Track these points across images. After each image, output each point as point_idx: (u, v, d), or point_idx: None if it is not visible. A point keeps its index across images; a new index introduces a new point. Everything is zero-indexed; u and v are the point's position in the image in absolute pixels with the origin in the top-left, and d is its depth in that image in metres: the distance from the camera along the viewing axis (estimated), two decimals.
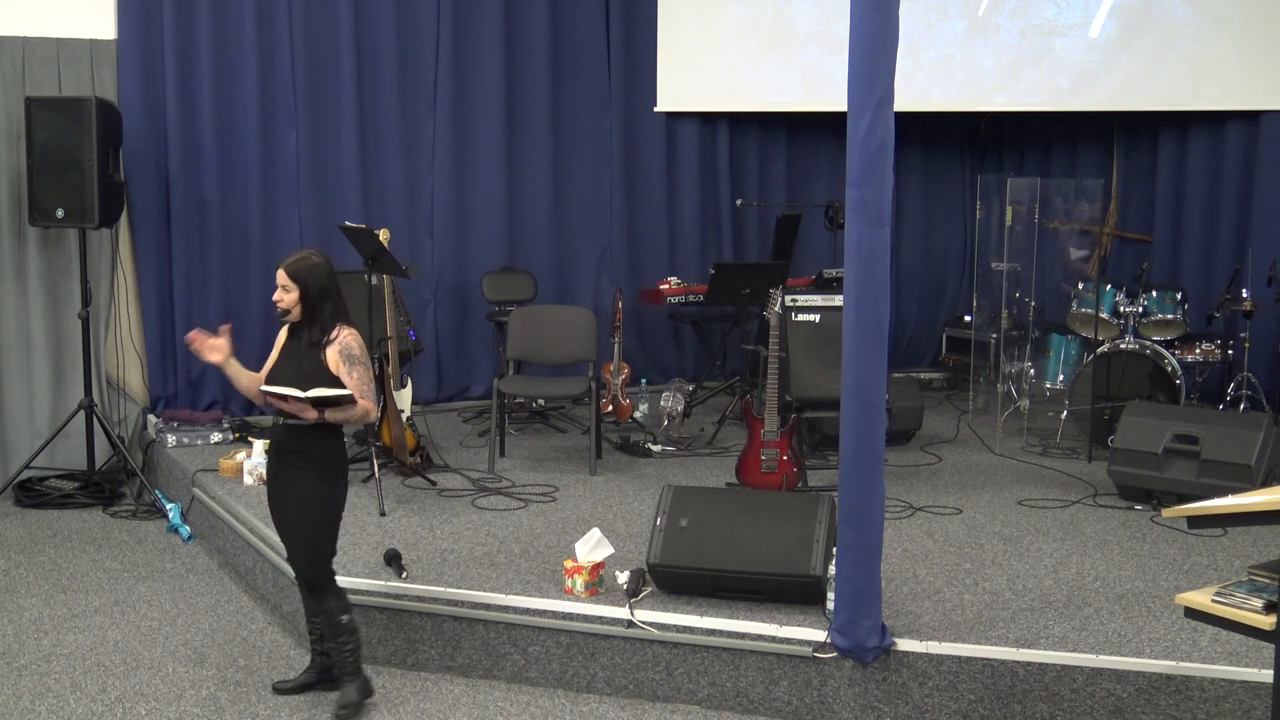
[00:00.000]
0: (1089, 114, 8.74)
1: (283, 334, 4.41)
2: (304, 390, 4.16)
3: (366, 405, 4.30)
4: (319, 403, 4.18)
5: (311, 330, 4.29)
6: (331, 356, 4.28)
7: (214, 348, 4.28)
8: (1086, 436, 7.05)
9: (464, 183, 8.29)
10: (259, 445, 6.43)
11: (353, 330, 4.36)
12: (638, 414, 7.71)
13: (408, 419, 6.57)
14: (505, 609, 4.72)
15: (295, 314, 4.29)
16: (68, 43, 7.17)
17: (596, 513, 5.90)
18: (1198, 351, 7.48)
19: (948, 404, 8.48)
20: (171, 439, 7.14)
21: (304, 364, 4.27)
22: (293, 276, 4.25)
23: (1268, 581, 3.19)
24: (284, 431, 4.31)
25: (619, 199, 8.76)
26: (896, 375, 7.23)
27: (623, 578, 4.78)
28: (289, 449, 4.31)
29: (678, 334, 8.94)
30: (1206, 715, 4.07)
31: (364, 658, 4.87)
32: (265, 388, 4.24)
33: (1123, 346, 7.11)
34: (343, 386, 4.23)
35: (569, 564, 4.82)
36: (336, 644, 4.40)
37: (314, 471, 4.32)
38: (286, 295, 4.27)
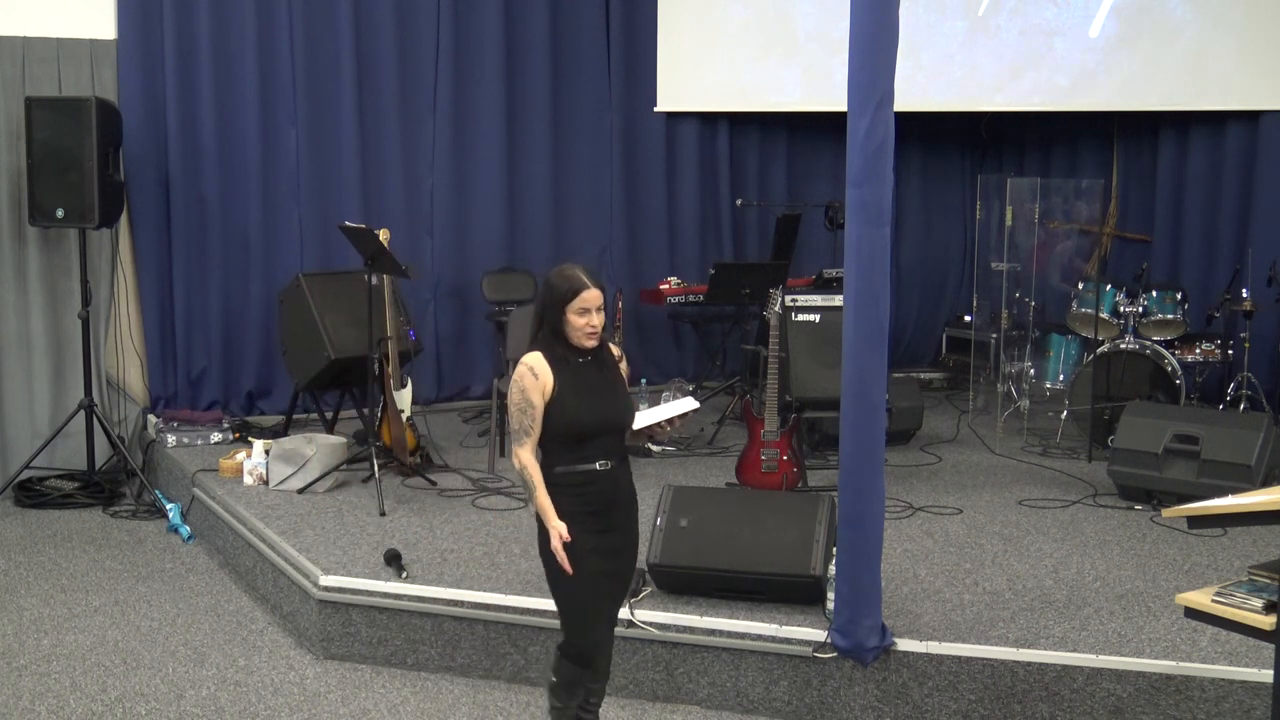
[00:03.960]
0: (1089, 114, 8.74)
1: (543, 364, 3.61)
2: (632, 413, 3.76)
3: None
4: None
5: (607, 352, 3.74)
6: (624, 373, 3.82)
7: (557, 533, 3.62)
8: (1086, 436, 7.05)
9: (464, 183, 8.29)
10: (259, 445, 6.44)
11: None
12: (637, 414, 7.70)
13: (408, 419, 6.58)
14: (505, 609, 4.72)
15: (597, 341, 3.67)
16: (68, 43, 7.17)
17: None
18: (1198, 351, 7.48)
19: (948, 404, 8.48)
20: (171, 439, 7.14)
21: (620, 387, 3.74)
22: (603, 294, 3.68)
23: (1268, 581, 3.19)
24: (614, 472, 3.69)
25: (619, 199, 8.76)
26: (896, 375, 7.23)
27: None
28: (621, 495, 3.74)
29: (678, 334, 8.94)
30: (1206, 715, 4.07)
31: (366, 658, 4.89)
32: (641, 426, 3.77)
33: (1123, 346, 7.11)
34: None
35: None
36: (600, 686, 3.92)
37: (636, 508, 3.84)
38: (600, 316, 3.64)
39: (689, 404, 3.93)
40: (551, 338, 3.64)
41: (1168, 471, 5.99)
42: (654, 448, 7.14)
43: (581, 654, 3.75)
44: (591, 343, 3.63)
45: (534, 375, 3.59)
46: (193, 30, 7.45)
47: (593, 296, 3.61)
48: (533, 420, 3.59)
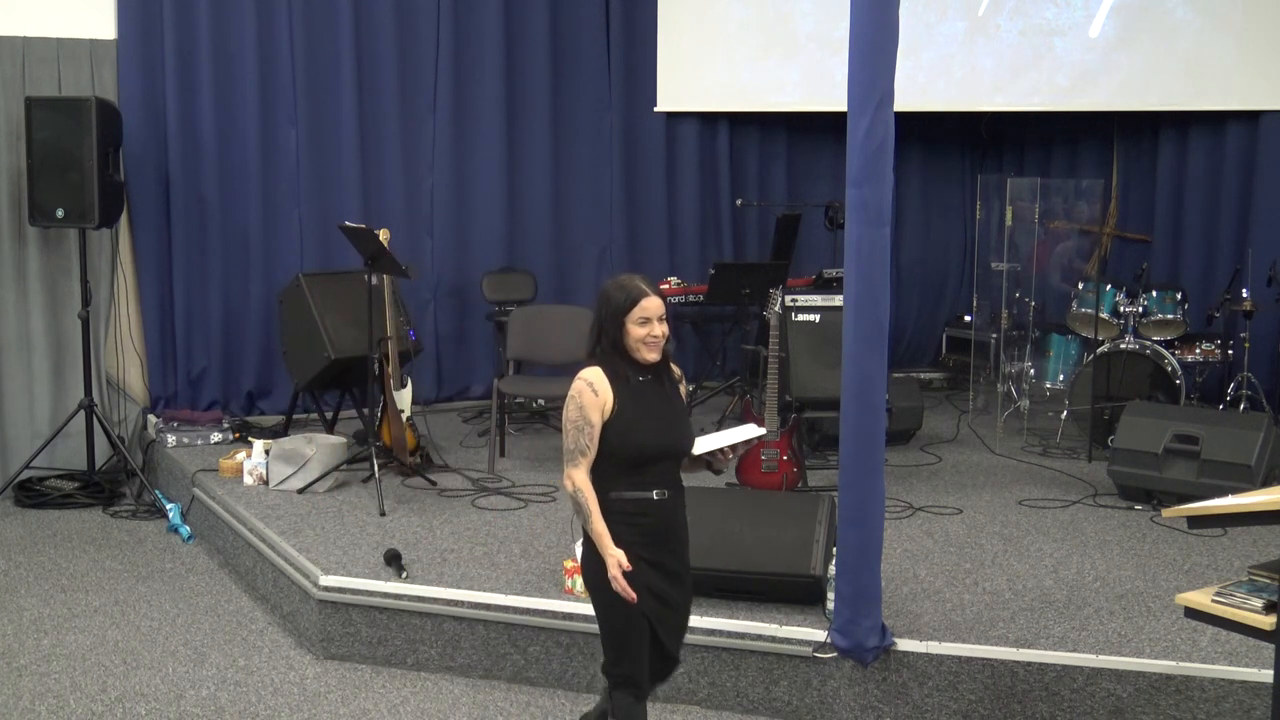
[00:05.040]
0: (1089, 114, 8.74)
1: (602, 380, 3.43)
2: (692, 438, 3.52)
3: None
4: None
5: (669, 369, 3.54)
6: (683, 395, 3.63)
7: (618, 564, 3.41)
8: (1086, 436, 7.05)
9: (464, 183, 8.29)
10: (259, 445, 6.44)
11: None
12: None
13: (408, 419, 6.58)
14: (505, 609, 4.72)
15: (660, 353, 3.47)
16: (68, 43, 7.17)
17: None
18: (1198, 351, 7.48)
19: (948, 404, 8.48)
20: (171, 439, 7.14)
21: (681, 410, 3.54)
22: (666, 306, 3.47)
23: (1268, 581, 3.20)
24: (671, 503, 3.49)
25: (619, 199, 8.76)
26: (896, 375, 7.23)
27: None
28: (675, 527, 3.53)
29: (678, 334, 8.93)
30: (1206, 715, 4.07)
31: (366, 658, 4.89)
32: (702, 451, 3.53)
33: (1123, 346, 7.11)
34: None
35: (569, 564, 4.82)
36: None
37: (687, 543, 3.63)
38: (662, 327, 3.44)
39: (753, 430, 3.70)
40: (611, 351, 3.44)
41: (1168, 471, 5.99)
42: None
43: (628, 679, 3.51)
44: (653, 355, 3.44)
45: (594, 392, 3.39)
46: (193, 30, 7.45)
47: (653, 305, 3.41)
48: (590, 440, 3.39)
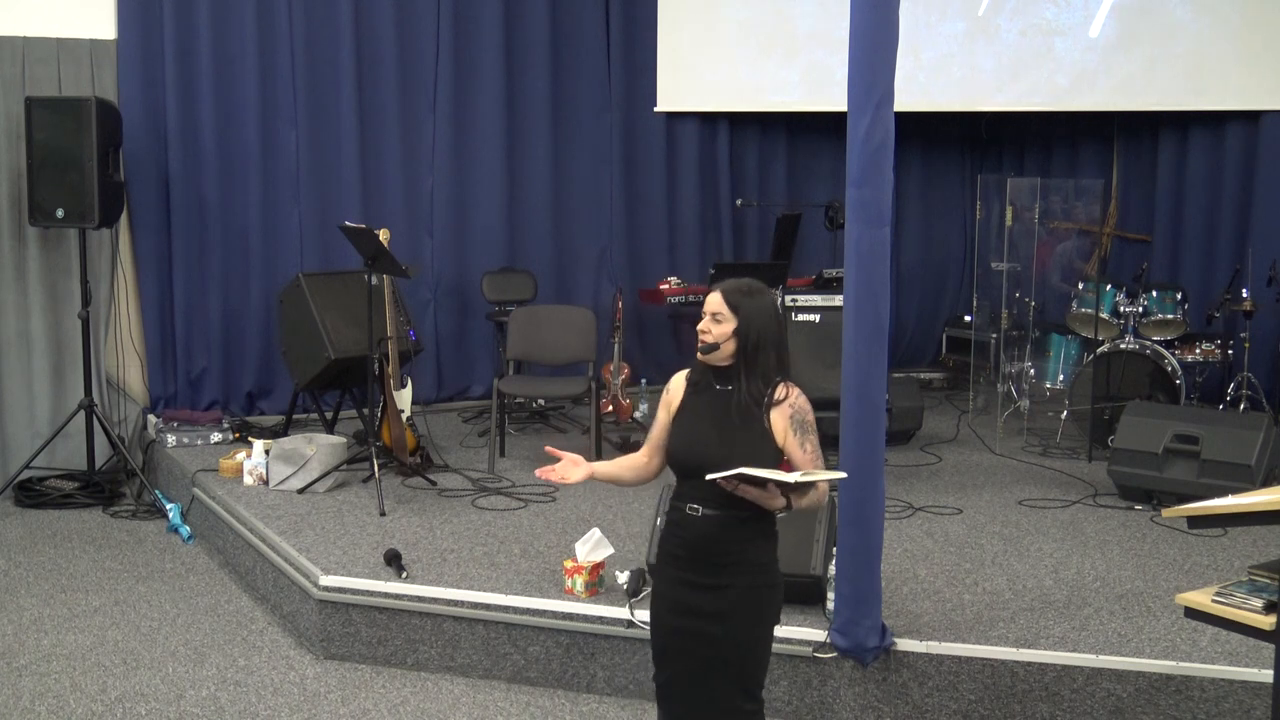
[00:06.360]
0: (1089, 114, 8.74)
1: (679, 382, 3.43)
2: (749, 465, 3.13)
3: (824, 489, 3.34)
4: (796, 488, 3.15)
5: (749, 383, 3.28)
6: (778, 422, 3.28)
7: (575, 464, 3.52)
8: (1086, 436, 7.05)
9: (464, 183, 8.29)
10: (259, 445, 6.44)
11: (800, 390, 3.35)
12: (638, 414, 7.71)
13: (408, 419, 6.58)
14: (505, 609, 4.72)
15: (722, 355, 3.28)
16: (68, 43, 7.17)
17: (596, 513, 5.90)
18: (1198, 351, 7.48)
19: (948, 404, 8.48)
20: (171, 439, 7.14)
21: (738, 429, 3.27)
22: (732, 306, 3.28)
23: (1268, 581, 3.19)
24: (706, 522, 3.28)
25: (619, 199, 8.76)
26: (896, 375, 7.23)
27: (623, 578, 4.78)
28: (715, 551, 3.27)
29: (678, 334, 8.93)
30: (1206, 715, 4.08)
31: (366, 658, 4.89)
32: (718, 475, 3.13)
33: (1123, 346, 7.12)
34: (778, 459, 3.29)
35: (569, 564, 4.82)
36: None
37: (750, 579, 3.28)
38: (715, 327, 3.30)
39: (813, 475, 3.18)
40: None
41: (1168, 471, 5.99)
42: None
43: (657, 690, 3.42)
44: (701, 354, 3.33)
45: (667, 391, 3.46)
46: (193, 30, 7.45)
47: (708, 301, 3.32)
48: (656, 431, 3.47)
